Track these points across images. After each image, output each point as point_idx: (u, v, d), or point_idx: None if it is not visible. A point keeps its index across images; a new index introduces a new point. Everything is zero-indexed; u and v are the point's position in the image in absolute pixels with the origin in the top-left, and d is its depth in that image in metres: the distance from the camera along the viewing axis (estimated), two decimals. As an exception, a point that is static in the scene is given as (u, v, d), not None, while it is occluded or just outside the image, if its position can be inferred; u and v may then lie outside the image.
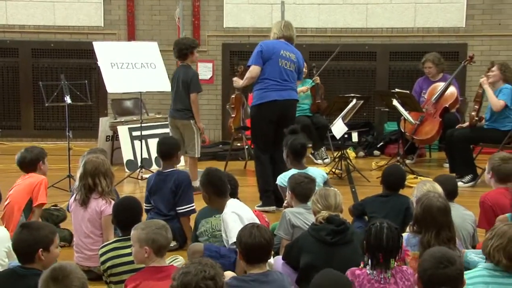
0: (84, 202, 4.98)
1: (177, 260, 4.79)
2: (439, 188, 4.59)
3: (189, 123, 7.63)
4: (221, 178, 4.87)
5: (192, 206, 5.70)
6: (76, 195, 5.06)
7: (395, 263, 3.70)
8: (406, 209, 5.18)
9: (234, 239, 4.15)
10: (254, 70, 6.89)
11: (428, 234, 3.99)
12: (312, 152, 9.56)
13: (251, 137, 7.51)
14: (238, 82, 7.44)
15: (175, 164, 5.98)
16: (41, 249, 3.63)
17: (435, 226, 3.99)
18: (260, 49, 6.89)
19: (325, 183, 5.80)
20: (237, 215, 4.62)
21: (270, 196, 6.83)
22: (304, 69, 7.92)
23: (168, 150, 5.88)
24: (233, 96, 7.50)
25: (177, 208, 5.65)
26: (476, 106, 8.21)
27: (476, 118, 8.17)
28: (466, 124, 8.45)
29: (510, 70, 8.30)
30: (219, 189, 4.82)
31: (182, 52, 7.73)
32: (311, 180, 4.99)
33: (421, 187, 4.64)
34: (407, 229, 4.38)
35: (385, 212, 5.04)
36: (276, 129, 6.88)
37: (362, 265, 3.75)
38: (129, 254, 4.07)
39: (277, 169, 6.75)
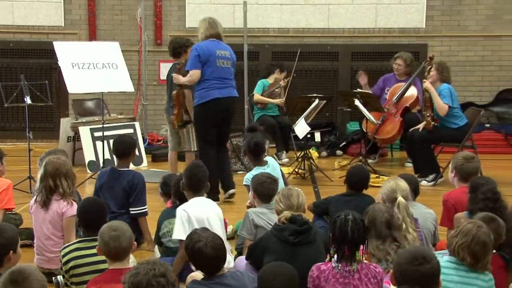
0: (45, 204, 4.91)
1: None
2: (403, 185, 4.62)
3: (169, 117, 7.92)
4: (196, 174, 4.89)
5: (145, 208, 5.67)
6: (36, 197, 4.99)
7: (362, 256, 3.71)
8: None
9: (175, 236, 4.63)
10: (195, 74, 7.10)
11: (373, 241, 4.03)
12: (276, 153, 9.59)
13: (196, 136, 7.66)
14: (178, 78, 7.46)
15: (130, 162, 5.91)
16: (11, 251, 3.59)
17: (379, 237, 4.05)
18: (197, 53, 7.09)
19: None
20: (187, 213, 4.65)
21: (216, 192, 7.03)
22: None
23: (124, 149, 5.81)
24: (174, 92, 7.52)
25: (131, 209, 5.62)
26: (429, 112, 8.20)
27: (433, 123, 8.21)
28: (422, 124, 8.47)
29: (447, 69, 8.40)
30: (191, 185, 4.87)
31: (176, 50, 7.99)
32: (274, 180, 4.97)
33: (386, 184, 4.69)
34: None
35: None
36: (220, 127, 7.22)
37: (328, 258, 3.77)
38: (93, 254, 4.04)
39: (220, 169, 7.14)
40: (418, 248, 3.43)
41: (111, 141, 8.83)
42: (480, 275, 3.62)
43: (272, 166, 5.99)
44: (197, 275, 3.91)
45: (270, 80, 9.92)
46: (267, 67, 10.22)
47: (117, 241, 3.74)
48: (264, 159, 6.07)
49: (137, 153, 9.12)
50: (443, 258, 3.67)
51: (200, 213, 4.69)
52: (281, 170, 6.28)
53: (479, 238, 3.56)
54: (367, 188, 5.49)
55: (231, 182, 7.36)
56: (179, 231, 4.62)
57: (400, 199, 4.45)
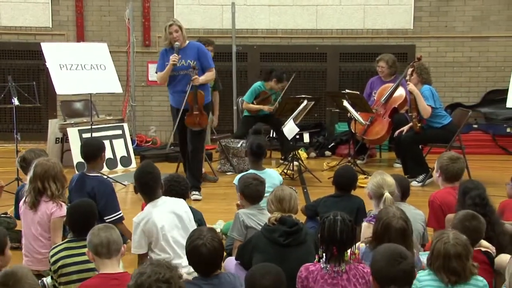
0: (34, 205, 4.90)
1: None
2: (390, 180, 4.65)
3: None
4: (141, 176, 4.72)
5: (119, 213, 5.54)
6: (25, 198, 4.97)
7: (350, 257, 3.71)
8: (357, 209, 5.25)
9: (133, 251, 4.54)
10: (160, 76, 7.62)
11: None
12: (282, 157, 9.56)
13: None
14: (199, 79, 7.53)
15: (99, 166, 5.79)
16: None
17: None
18: (162, 57, 7.58)
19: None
20: (143, 219, 4.55)
21: None
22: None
23: (91, 152, 5.67)
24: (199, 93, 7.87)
25: (105, 218, 5.39)
26: (415, 113, 8.23)
27: (419, 125, 8.26)
28: (407, 127, 8.50)
29: (426, 71, 8.46)
30: (140, 187, 4.75)
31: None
32: (260, 182, 4.94)
33: (373, 179, 4.70)
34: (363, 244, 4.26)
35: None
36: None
37: (317, 258, 3.77)
38: (81, 254, 4.05)
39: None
40: (392, 246, 3.42)
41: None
42: (470, 286, 3.60)
43: (269, 173, 5.92)
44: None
45: (268, 85, 9.73)
46: (267, 71, 9.89)
47: (107, 237, 3.73)
48: (266, 170, 6.00)
49: (119, 157, 9.27)
50: (427, 270, 3.69)
51: (159, 216, 4.56)
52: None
53: (450, 252, 3.55)
54: (355, 188, 5.51)
55: None
56: (135, 245, 4.57)
57: (387, 194, 4.48)
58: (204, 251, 3.58)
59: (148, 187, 4.67)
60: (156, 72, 7.72)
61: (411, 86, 8.25)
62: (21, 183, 7.46)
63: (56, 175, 4.92)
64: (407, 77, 8.41)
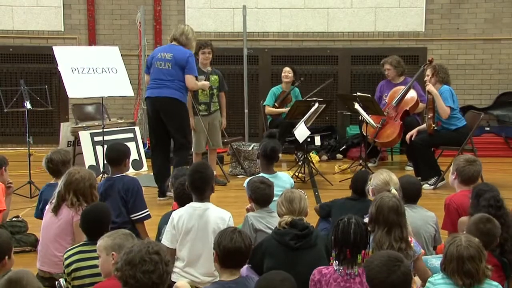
0: (56, 209, 4.94)
1: None
2: (395, 178, 4.69)
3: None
4: (190, 174, 4.65)
5: (147, 211, 5.57)
6: (52, 199, 5.02)
7: (363, 260, 3.70)
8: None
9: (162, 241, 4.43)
10: (146, 79, 7.85)
11: (380, 231, 4.05)
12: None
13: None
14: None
15: (124, 171, 5.79)
16: (6, 257, 3.59)
17: (386, 224, 4.05)
18: (147, 60, 7.87)
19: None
20: (172, 218, 4.54)
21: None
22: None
23: (116, 156, 5.71)
24: None
25: (132, 216, 5.49)
26: (431, 114, 8.18)
27: (433, 126, 8.19)
28: (415, 130, 8.43)
29: (443, 70, 8.35)
30: (189, 185, 4.70)
31: None
32: (268, 186, 4.90)
33: (378, 176, 4.75)
34: None
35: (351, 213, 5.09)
36: (159, 127, 7.58)
37: (331, 260, 3.77)
38: (94, 258, 4.02)
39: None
40: (386, 253, 3.44)
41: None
42: None
43: (280, 176, 5.88)
44: (183, 284, 3.92)
45: (283, 86, 9.81)
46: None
47: (127, 239, 3.74)
48: (277, 173, 5.95)
49: (131, 160, 9.28)
50: (440, 274, 3.68)
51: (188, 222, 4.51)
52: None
53: (463, 255, 3.54)
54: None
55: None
56: (164, 237, 4.55)
57: (393, 191, 4.49)
58: (237, 237, 3.63)
59: (194, 186, 4.61)
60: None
61: (430, 87, 8.18)
62: (33, 186, 7.53)
63: (80, 189, 4.90)
64: (426, 78, 8.34)
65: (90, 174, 5.03)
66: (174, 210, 4.87)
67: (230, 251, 3.63)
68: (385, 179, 4.66)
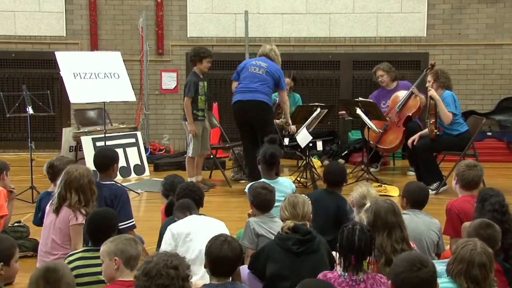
0: (57, 210, 4.97)
1: None
2: (374, 192, 4.75)
3: (185, 124, 8.53)
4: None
5: (132, 221, 5.49)
6: (52, 200, 5.05)
7: (368, 266, 3.71)
8: (337, 206, 5.36)
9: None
10: (233, 85, 8.36)
11: (380, 236, 4.04)
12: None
13: None
14: None
15: (112, 176, 5.77)
16: (1, 264, 3.56)
17: (386, 227, 4.07)
18: (237, 68, 8.39)
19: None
20: (170, 231, 4.53)
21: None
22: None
23: (104, 162, 5.68)
24: None
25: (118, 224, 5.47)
26: (433, 119, 8.17)
27: (435, 131, 8.18)
28: (417, 135, 8.42)
29: (445, 75, 8.36)
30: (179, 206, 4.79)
31: (191, 58, 8.54)
32: (270, 191, 4.91)
33: (357, 188, 4.82)
34: None
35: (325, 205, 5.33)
36: (247, 128, 8.18)
37: (336, 267, 3.78)
38: (97, 264, 3.99)
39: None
40: (412, 253, 3.41)
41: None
42: None
43: (281, 182, 5.89)
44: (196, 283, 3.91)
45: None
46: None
47: (139, 252, 3.75)
48: (279, 178, 5.96)
49: (132, 166, 9.30)
50: (445, 277, 3.66)
51: (183, 228, 4.53)
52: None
53: (475, 260, 3.52)
54: (346, 182, 5.67)
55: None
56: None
57: (368, 205, 4.50)
58: (226, 248, 3.60)
59: (185, 207, 4.73)
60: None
61: (432, 92, 8.17)
62: (35, 191, 7.53)
63: (80, 186, 4.93)
64: (427, 84, 8.34)
65: (87, 170, 5.09)
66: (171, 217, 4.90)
67: (217, 260, 3.63)
68: (362, 193, 4.72)
